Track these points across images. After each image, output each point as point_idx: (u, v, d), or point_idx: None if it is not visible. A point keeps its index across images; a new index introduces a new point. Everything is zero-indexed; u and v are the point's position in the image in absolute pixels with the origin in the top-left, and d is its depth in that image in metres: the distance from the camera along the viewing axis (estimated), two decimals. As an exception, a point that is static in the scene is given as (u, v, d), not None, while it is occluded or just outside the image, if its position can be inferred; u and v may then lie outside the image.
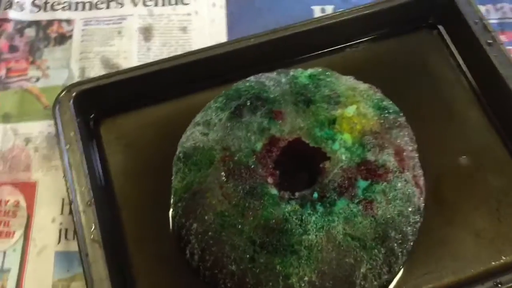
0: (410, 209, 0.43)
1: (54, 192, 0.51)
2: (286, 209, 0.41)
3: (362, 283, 0.41)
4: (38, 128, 0.54)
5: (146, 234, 0.49)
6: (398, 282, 0.46)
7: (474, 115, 0.55)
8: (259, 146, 0.43)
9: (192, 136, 0.46)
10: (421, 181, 0.45)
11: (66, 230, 0.49)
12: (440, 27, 0.60)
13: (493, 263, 0.48)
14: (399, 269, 0.45)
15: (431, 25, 0.60)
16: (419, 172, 0.45)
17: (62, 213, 0.50)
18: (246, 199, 0.41)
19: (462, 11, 0.57)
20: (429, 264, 0.48)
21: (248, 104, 0.45)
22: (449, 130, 0.54)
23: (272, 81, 0.47)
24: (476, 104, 0.56)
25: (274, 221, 0.40)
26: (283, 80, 0.47)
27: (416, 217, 0.44)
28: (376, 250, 0.41)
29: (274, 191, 0.42)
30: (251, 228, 0.40)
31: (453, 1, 0.57)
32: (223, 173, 0.42)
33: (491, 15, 0.64)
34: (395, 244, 0.42)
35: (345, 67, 0.56)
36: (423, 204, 0.46)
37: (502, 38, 0.61)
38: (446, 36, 0.60)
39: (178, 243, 0.46)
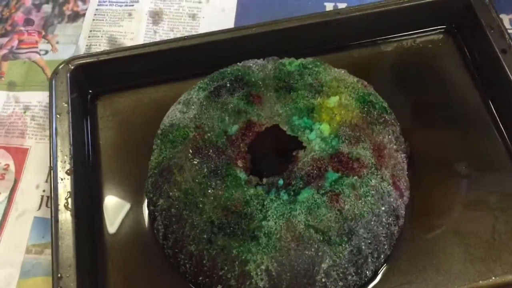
0: (383, 209, 0.40)
1: (43, 160, 0.52)
2: (249, 193, 0.39)
3: (324, 280, 0.39)
4: (38, 98, 0.56)
5: (123, 209, 0.49)
6: (372, 288, 0.44)
7: (481, 123, 0.52)
8: (234, 128, 0.43)
9: (171, 114, 0.45)
10: (402, 183, 0.43)
11: (48, 198, 0.50)
12: (456, 32, 0.57)
13: (480, 282, 0.45)
14: (372, 274, 0.43)
15: (447, 29, 0.58)
16: (401, 173, 0.43)
17: (47, 181, 0.51)
18: (209, 178, 0.40)
19: (479, 16, 0.54)
20: (409, 274, 0.45)
21: (228, 85, 0.44)
22: (451, 136, 0.51)
23: (258, 66, 0.46)
24: (485, 112, 0.52)
25: (234, 203, 0.39)
26: (270, 66, 0.46)
27: (391, 218, 0.41)
28: (341, 247, 0.39)
29: (241, 174, 0.41)
30: (211, 208, 0.39)
31: (470, 6, 0.55)
32: (190, 150, 0.41)
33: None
34: (363, 244, 0.39)
35: (351, 66, 0.54)
36: (403, 207, 0.43)
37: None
38: (461, 42, 0.57)
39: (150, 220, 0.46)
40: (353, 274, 0.40)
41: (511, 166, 0.49)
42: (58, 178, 0.47)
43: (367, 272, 0.41)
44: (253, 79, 0.44)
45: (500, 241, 0.46)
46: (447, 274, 0.45)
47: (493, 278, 0.45)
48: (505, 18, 0.60)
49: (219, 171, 0.40)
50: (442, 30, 0.58)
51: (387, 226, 0.41)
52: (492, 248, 0.46)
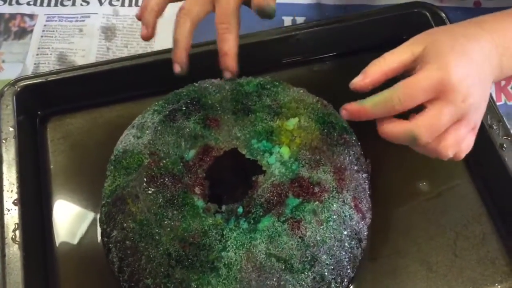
0: (345, 233, 0.39)
1: (-11, 188, 0.49)
2: (207, 223, 0.38)
3: (287, 309, 0.38)
4: (-17, 122, 0.52)
5: (77, 240, 0.47)
6: (336, 312, 0.43)
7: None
8: (191, 154, 0.41)
9: (125, 139, 0.43)
10: (364, 205, 0.42)
11: (-6, 229, 0.47)
12: (415, 46, 0.57)
13: (443, 300, 0.45)
14: (337, 298, 0.42)
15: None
16: (362, 194, 0.42)
17: (-7, 210, 0.48)
18: (165, 208, 0.38)
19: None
20: (373, 296, 0.44)
21: (184, 108, 0.42)
22: (411, 153, 0.51)
23: (215, 87, 0.44)
24: (444, 128, 0.52)
25: (192, 234, 0.37)
26: (227, 87, 0.44)
27: (353, 242, 0.40)
28: (303, 275, 0.38)
29: (199, 202, 0.39)
30: (168, 240, 0.37)
31: (428, 19, 0.55)
32: (145, 179, 0.39)
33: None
34: (326, 270, 0.38)
35: (311, 81, 0.53)
36: (365, 229, 0.42)
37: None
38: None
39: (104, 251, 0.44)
40: (317, 301, 0.39)
41: (471, 182, 0.49)
42: (4, 209, 0.44)
43: (331, 298, 0.41)
44: (209, 102, 0.43)
45: (461, 258, 0.46)
46: (410, 294, 0.44)
47: (456, 296, 0.45)
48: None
49: (175, 201, 0.38)
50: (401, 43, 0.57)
51: (349, 250, 0.40)
52: (454, 265, 0.46)
